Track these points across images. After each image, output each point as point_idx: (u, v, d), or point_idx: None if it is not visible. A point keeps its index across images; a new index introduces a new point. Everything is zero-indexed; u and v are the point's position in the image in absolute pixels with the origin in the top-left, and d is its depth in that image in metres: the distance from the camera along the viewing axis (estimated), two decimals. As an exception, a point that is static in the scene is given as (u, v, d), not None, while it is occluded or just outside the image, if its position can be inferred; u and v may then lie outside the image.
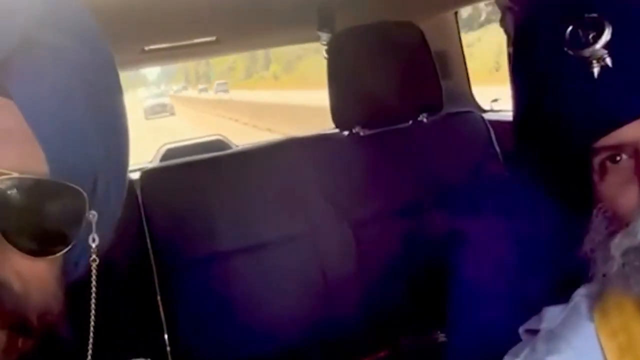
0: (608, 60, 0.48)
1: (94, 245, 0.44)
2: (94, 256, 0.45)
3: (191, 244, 1.39)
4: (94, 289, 0.47)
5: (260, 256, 1.41)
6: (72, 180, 0.40)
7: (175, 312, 1.39)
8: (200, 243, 1.39)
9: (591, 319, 0.56)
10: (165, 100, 31.35)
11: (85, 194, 0.41)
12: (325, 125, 1.76)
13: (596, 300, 0.58)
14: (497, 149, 1.50)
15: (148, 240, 1.39)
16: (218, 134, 2.63)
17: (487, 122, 1.54)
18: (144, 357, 1.41)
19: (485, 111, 1.94)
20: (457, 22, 1.91)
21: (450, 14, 1.86)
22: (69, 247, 0.41)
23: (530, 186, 0.74)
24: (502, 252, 0.70)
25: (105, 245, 0.49)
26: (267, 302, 1.38)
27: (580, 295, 0.60)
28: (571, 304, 0.60)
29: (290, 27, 1.81)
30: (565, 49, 0.50)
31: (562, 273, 0.66)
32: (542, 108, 0.54)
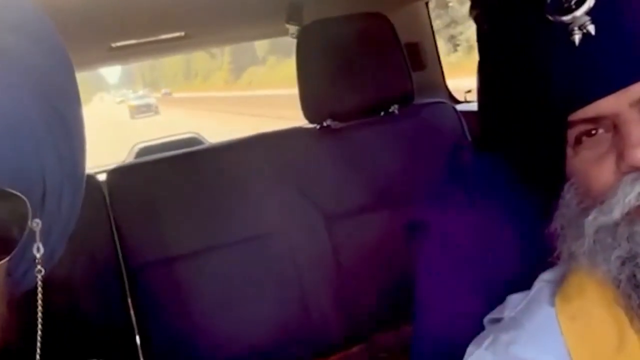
0: (590, 28, 0.46)
1: (38, 256, 0.42)
2: (39, 267, 0.42)
3: (161, 243, 1.36)
4: (39, 301, 0.44)
5: (232, 254, 1.39)
6: (16, 186, 0.38)
7: (146, 314, 1.36)
8: (170, 242, 1.37)
9: (552, 304, 0.55)
10: (150, 100, 32.75)
11: (27, 201, 0.38)
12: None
13: (557, 286, 0.57)
14: (470, 139, 1.49)
15: (117, 241, 1.36)
16: (192, 132, 2.60)
17: (460, 113, 1.53)
18: (115, 359, 1.38)
19: (459, 102, 1.94)
20: (428, 12, 1.90)
21: (421, 5, 1.86)
22: (10, 256, 0.39)
23: (497, 171, 0.73)
24: (465, 240, 0.69)
25: (57, 256, 0.47)
26: (241, 300, 1.36)
27: (543, 280, 0.59)
28: (533, 290, 0.59)
29: (259, 21, 1.79)
30: (547, 15, 0.48)
31: (528, 260, 0.65)
32: (518, 79, 0.52)
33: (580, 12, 0.46)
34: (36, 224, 0.40)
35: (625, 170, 0.47)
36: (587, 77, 0.47)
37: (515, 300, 0.59)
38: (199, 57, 53.87)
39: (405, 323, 1.30)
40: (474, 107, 1.74)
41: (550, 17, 0.48)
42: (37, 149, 0.40)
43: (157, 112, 29.95)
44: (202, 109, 25.14)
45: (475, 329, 0.62)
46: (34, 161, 0.40)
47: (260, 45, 40.73)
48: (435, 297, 0.71)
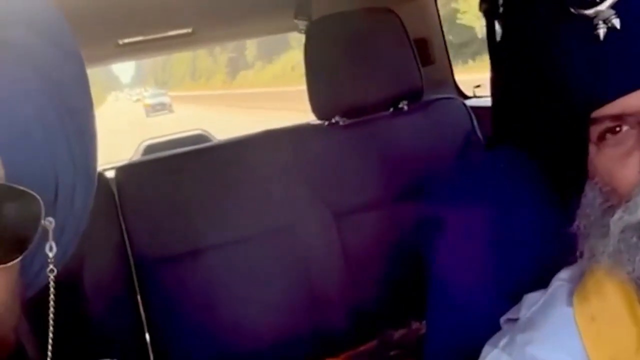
0: (615, 22, 0.45)
1: (51, 255, 0.41)
2: (51, 266, 0.42)
3: (170, 240, 1.36)
4: (52, 302, 0.44)
5: (242, 250, 1.38)
6: (29, 185, 0.37)
7: (156, 311, 1.36)
8: (180, 239, 1.36)
9: (570, 304, 0.54)
10: (165, 99, 32.92)
11: (40, 200, 0.38)
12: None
13: (575, 285, 0.56)
14: (480, 135, 1.48)
15: (126, 238, 1.36)
16: (199, 129, 2.59)
17: (469, 109, 1.52)
18: (125, 357, 1.38)
19: (468, 97, 1.93)
20: (437, 7, 1.88)
21: (429, 0, 1.84)
22: (23, 255, 0.38)
23: (511, 167, 0.72)
24: (479, 237, 0.68)
25: (69, 255, 0.46)
26: (250, 297, 1.36)
27: (560, 279, 0.58)
28: (550, 289, 0.58)
29: (267, 16, 1.78)
30: (570, 8, 0.47)
31: (544, 259, 0.64)
32: (538, 75, 0.51)
33: (604, 5, 0.45)
34: (49, 223, 0.40)
35: None
36: (612, 72, 0.46)
37: (532, 300, 0.58)
38: (202, 60, 61.54)
39: (416, 319, 1.30)
40: (483, 102, 1.73)
41: (573, 11, 0.47)
42: (49, 145, 0.40)
43: (171, 111, 30.11)
44: (206, 104, 29.39)
45: (490, 328, 0.61)
46: (47, 159, 0.40)
47: (250, 52, 49.99)
48: (450, 295, 0.70)
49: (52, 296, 0.43)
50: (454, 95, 1.71)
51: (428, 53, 1.88)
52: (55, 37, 0.42)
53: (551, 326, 0.54)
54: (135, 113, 30.72)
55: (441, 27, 1.93)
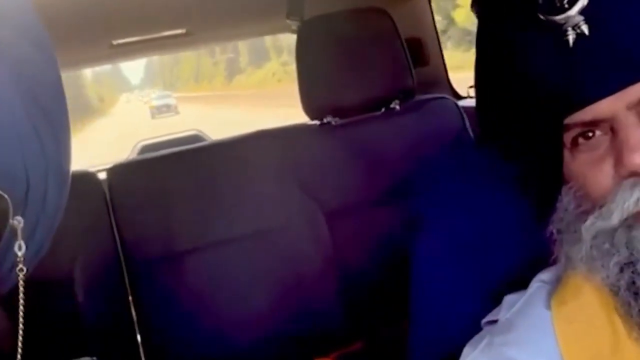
0: (584, 28, 0.45)
1: (20, 254, 0.41)
2: (20, 265, 0.41)
3: (162, 240, 1.36)
4: (21, 300, 0.44)
5: (233, 250, 1.38)
6: None
7: (147, 312, 1.36)
8: (171, 239, 1.36)
9: (548, 306, 0.54)
10: (171, 101, 33.04)
11: (8, 198, 0.38)
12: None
13: (554, 287, 0.56)
14: (471, 134, 1.48)
15: (117, 238, 1.36)
16: (194, 129, 2.59)
17: (462, 109, 1.52)
18: (116, 357, 1.37)
19: (462, 97, 1.93)
20: (430, 7, 1.88)
21: (423, 0, 1.84)
22: None
23: (498, 169, 0.72)
24: (462, 238, 0.68)
25: (42, 254, 0.46)
26: (241, 297, 1.36)
27: (540, 281, 0.58)
28: (529, 291, 0.58)
29: (260, 17, 1.78)
30: (539, 14, 0.46)
31: (525, 260, 0.64)
32: (510, 80, 0.50)
33: (573, 11, 0.45)
34: (18, 222, 0.40)
35: (624, 174, 0.46)
36: (583, 78, 0.45)
37: (511, 301, 0.58)
38: (205, 65, 70.55)
39: (405, 318, 1.30)
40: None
41: (542, 17, 0.46)
42: (20, 144, 0.39)
43: (177, 112, 30.09)
44: (208, 104, 32.94)
45: (472, 329, 0.61)
46: (17, 157, 0.39)
47: (243, 59, 59.79)
48: (432, 295, 0.70)
49: (21, 295, 0.42)
50: (447, 95, 1.71)
51: (422, 53, 1.88)
52: (31, 36, 0.42)
53: (529, 328, 0.54)
54: (146, 114, 31.57)
55: (435, 28, 1.93)
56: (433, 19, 1.92)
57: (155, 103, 31.89)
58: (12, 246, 0.40)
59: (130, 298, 1.36)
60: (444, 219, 0.71)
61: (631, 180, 0.46)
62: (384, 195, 1.41)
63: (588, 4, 0.45)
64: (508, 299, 0.59)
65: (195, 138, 2.39)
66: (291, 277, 1.38)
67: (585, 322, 0.51)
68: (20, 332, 0.43)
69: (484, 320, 0.62)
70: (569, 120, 0.47)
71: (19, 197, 0.40)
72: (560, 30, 0.45)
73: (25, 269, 0.42)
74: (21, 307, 0.43)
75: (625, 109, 0.45)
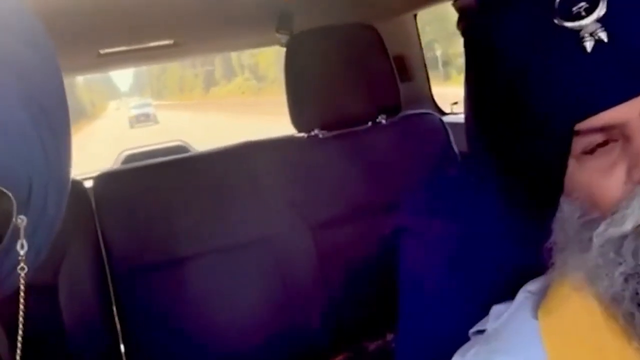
0: (602, 35, 0.45)
1: (22, 253, 0.41)
2: (22, 264, 0.42)
3: (146, 249, 1.36)
4: (22, 300, 0.44)
5: (218, 261, 1.38)
6: (2, 183, 0.38)
7: (131, 321, 1.36)
8: (156, 249, 1.36)
9: (535, 316, 0.54)
10: (149, 109, 32.30)
11: (12, 197, 0.38)
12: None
13: (540, 297, 0.56)
14: (455, 149, 1.51)
15: (102, 247, 1.35)
16: (179, 139, 2.59)
17: (446, 124, 1.54)
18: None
19: (445, 114, 1.96)
20: (416, 24, 1.92)
21: (409, 17, 1.88)
22: None
23: (484, 182, 0.73)
24: (448, 251, 0.69)
25: (42, 258, 0.46)
26: (226, 308, 1.36)
27: (526, 291, 0.58)
28: (516, 301, 0.58)
29: (249, 30, 1.79)
30: (555, 20, 0.46)
31: (512, 271, 0.65)
32: (521, 86, 0.49)
33: (591, 19, 0.45)
34: (21, 221, 0.40)
35: (639, 180, 0.46)
36: (599, 84, 0.45)
37: (498, 311, 0.59)
38: (188, 76, 74.93)
39: (391, 331, 1.31)
40: (460, 118, 1.76)
41: (558, 23, 0.46)
42: (24, 146, 0.40)
43: (156, 122, 29.45)
44: (188, 110, 36.76)
45: (458, 339, 0.62)
46: (21, 159, 0.40)
47: (217, 72, 66.54)
48: (419, 305, 0.71)
49: (22, 294, 0.43)
50: (431, 110, 1.74)
51: (407, 69, 1.91)
52: (35, 43, 0.43)
53: (516, 338, 0.54)
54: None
55: (420, 44, 1.97)
56: (418, 35, 1.96)
57: (134, 112, 31.16)
58: (15, 245, 0.41)
59: (114, 307, 1.36)
60: (430, 230, 0.72)
61: None
62: (370, 208, 1.42)
63: (606, 12, 0.45)
64: (495, 309, 0.60)
65: (179, 148, 2.39)
66: (276, 289, 1.38)
67: (573, 332, 0.52)
68: (20, 333, 0.43)
69: (471, 330, 0.63)
70: (581, 126, 0.47)
71: (22, 197, 0.41)
72: (577, 36, 0.45)
73: (26, 268, 0.42)
74: (22, 307, 0.43)
75: (639, 115, 0.46)
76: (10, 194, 0.38)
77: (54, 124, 0.44)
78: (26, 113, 0.40)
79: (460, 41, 1.12)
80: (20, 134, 0.40)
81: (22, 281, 0.43)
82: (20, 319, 0.44)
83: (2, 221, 0.39)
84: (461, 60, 1.09)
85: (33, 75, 0.42)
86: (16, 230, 0.40)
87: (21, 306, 0.44)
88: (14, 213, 0.39)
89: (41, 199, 0.43)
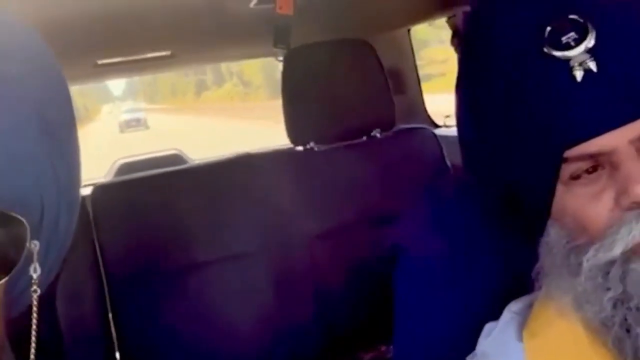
0: (592, 65, 0.45)
1: (35, 276, 0.42)
2: (35, 287, 0.43)
3: (143, 260, 1.37)
4: (35, 320, 0.45)
5: (214, 272, 1.40)
6: (16, 209, 0.39)
7: (126, 329, 1.37)
8: (152, 260, 1.37)
9: (519, 338, 0.55)
10: (140, 114, 31.89)
11: (26, 223, 0.39)
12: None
13: (524, 318, 0.57)
14: (449, 164, 1.53)
15: (99, 257, 1.36)
16: (174, 148, 2.60)
17: (439, 138, 1.57)
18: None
19: (438, 127, 1.99)
20: (410, 39, 1.95)
21: (403, 32, 1.91)
22: (8, 277, 0.39)
23: (477, 198, 0.75)
24: (441, 269, 0.71)
25: (52, 276, 0.47)
26: (221, 319, 1.37)
27: (511, 312, 0.59)
28: (501, 322, 0.59)
29: (246, 42, 1.81)
30: (545, 49, 0.47)
31: (506, 285, 0.67)
32: (511, 113, 0.49)
33: (580, 49, 0.46)
34: (34, 245, 0.41)
35: (628, 206, 0.47)
36: (589, 113, 0.46)
37: (489, 329, 0.60)
38: (180, 81, 78.09)
39: (385, 343, 1.33)
40: (452, 132, 1.78)
41: (548, 52, 0.47)
42: (35, 172, 0.41)
43: (146, 127, 29.11)
44: (180, 114, 39.17)
45: (454, 354, 0.63)
46: (33, 184, 0.41)
47: (209, 78, 70.19)
48: (413, 324, 0.72)
49: (34, 315, 0.44)
50: (425, 124, 1.76)
51: (401, 82, 1.94)
52: (41, 66, 0.44)
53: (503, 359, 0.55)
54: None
55: (414, 58, 2.00)
56: (412, 49, 1.99)
57: (125, 117, 30.74)
58: (28, 269, 0.42)
59: (110, 316, 1.37)
60: (424, 250, 0.73)
61: (636, 211, 0.47)
62: (365, 221, 1.44)
63: (595, 43, 0.46)
64: (487, 327, 0.61)
65: (175, 158, 2.40)
66: (271, 300, 1.40)
67: (558, 355, 0.53)
68: (33, 349, 0.44)
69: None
70: (570, 153, 0.47)
71: (35, 222, 0.41)
72: (566, 65, 0.46)
73: (39, 290, 0.44)
74: (34, 327, 0.44)
75: (628, 142, 0.46)
76: (24, 220, 0.39)
77: (63, 145, 0.45)
78: (36, 137, 0.41)
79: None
80: (31, 158, 0.40)
81: (34, 302, 0.44)
82: (33, 337, 0.46)
83: (16, 247, 0.40)
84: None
85: (41, 97, 0.42)
86: (29, 254, 0.41)
87: (33, 326, 0.45)
88: (28, 238, 0.40)
89: (53, 222, 0.44)
